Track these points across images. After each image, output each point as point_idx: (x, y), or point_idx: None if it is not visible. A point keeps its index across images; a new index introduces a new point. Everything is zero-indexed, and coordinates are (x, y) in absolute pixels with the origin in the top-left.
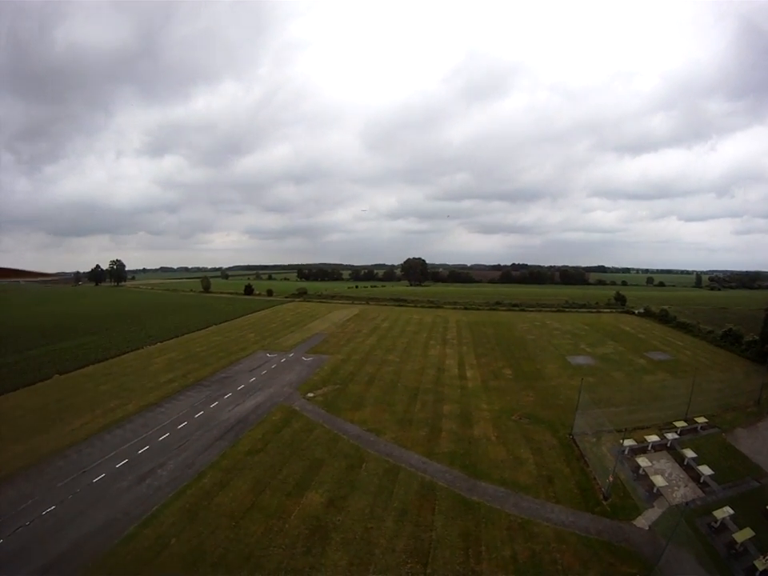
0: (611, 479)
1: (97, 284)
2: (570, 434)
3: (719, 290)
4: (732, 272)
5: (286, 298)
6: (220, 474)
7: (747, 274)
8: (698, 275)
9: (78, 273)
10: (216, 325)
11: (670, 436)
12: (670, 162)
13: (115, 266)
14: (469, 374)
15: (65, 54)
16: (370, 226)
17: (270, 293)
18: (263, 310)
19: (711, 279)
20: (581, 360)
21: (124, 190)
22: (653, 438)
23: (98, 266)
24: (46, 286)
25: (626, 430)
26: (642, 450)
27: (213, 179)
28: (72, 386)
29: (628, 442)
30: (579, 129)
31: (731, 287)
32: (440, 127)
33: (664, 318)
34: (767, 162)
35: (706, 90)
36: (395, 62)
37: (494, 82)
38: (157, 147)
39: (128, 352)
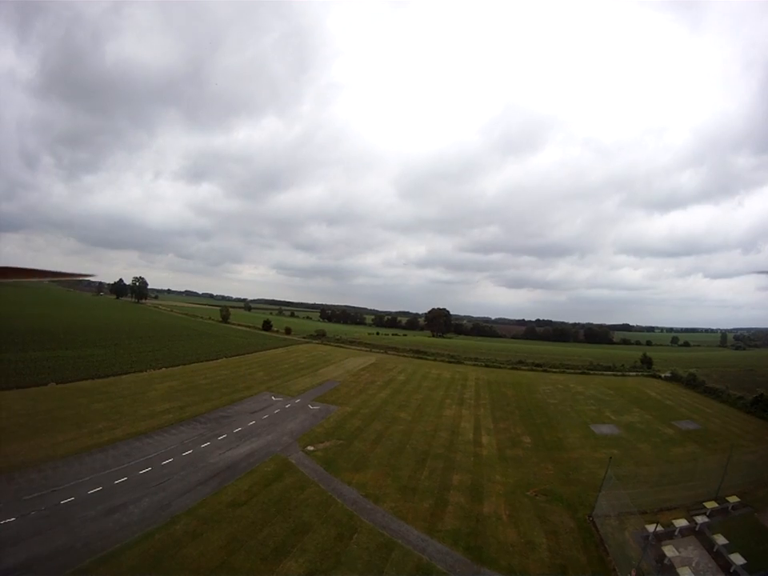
0: (633, 574)
1: (117, 297)
2: (589, 516)
3: (744, 349)
4: (756, 329)
5: (304, 338)
6: (194, 523)
7: None
8: (723, 334)
9: (100, 283)
10: (226, 357)
11: (700, 519)
12: (697, 218)
13: (138, 283)
14: (484, 439)
15: (115, 68)
16: (397, 272)
17: (288, 331)
18: (278, 348)
19: (736, 338)
20: (605, 429)
21: (158, 210)
22: (681, 523)
23: (120, 280)
24: (67, 290)
25: (651, 511)
26: (668, 535)
27: (246, 211)
28: (65, 397)
29: (652, 527)
30: (610, 185)
31: (756, 346)
32: (473, 179)
33: (691, 383)
34: None
35: (734, 143)
36: (434, 112)
37: (528, 136)
38: (194, 173)
39: (130, 372)
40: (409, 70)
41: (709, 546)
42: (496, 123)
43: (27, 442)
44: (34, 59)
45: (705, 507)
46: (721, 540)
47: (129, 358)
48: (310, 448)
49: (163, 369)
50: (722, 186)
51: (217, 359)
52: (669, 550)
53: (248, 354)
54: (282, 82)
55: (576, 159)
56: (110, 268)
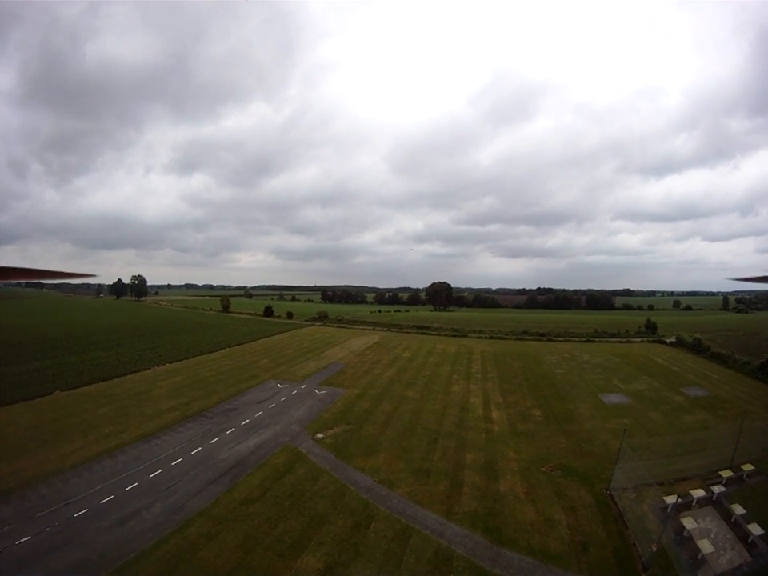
0: (654, 549)
1: (118, 297)
2: (607, 489)
3: (746, 312)
4: (758, 292)
5: (306, 321)
6: (209, 524)
7: None
8: (725, 297)
9: (99, 285)
10: (230, 347)
11: (717, 489)
12: (693, 182)
13: (137, 281)
14: (494, 415)
15: (96, 68)
16: (395, 249)
17: (289, 315)
18: (281, 333)
19: (738, 301)
20: (614, 398)
21: (152, 205)
22: (698, 493)
23: (119, 280)
24: (66, 296)
25: (667, 482)
26: (686, 506)
27: (240, 199)
28: (71, 404)
29: (671, 499)
30: (604, 150)
31: (759, 308)
32: (466, 150)
33: (697, 348)
34: None
35: (728, 107)
36: (422, 84)
37: (520, 104)
38: (185, 164)
39: (135, 372)
40: (395, 42)
41: (726, 515)
42: (486, 92)
43: (35, 455)
44: (12, 70)
45: (720, 476)
46: (738, 510)
47: (132, 357)
48: (320, 435)
49: (167, 365)
50: (717, 150)
51: (220, 350)
52: (687, 522)
53: (251, 341)
54: (268, 67)
55: (569, 126)
56: (109, 268)
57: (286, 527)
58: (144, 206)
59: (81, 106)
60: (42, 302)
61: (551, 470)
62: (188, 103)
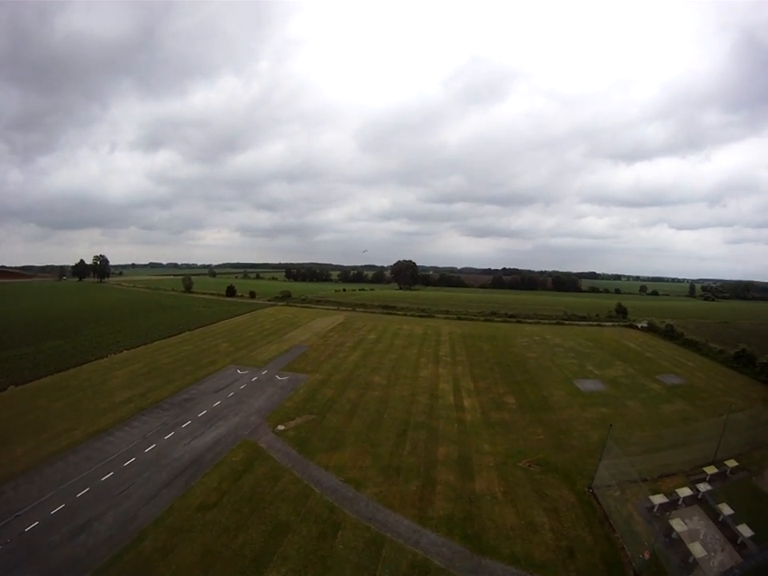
0: (647, 556)
1: (80, 279)
2: (589, 488)
3: (713, 300)
4: (723, 281)
5: (269, 301)
6: (164, 536)
7: (740, 283)
8: (692, 285)
9: (62, 267)
10: (189, 331)
11: (702, 487)
12: (663, 170)
13: (98, 262)
14: (466, 402)
15: (63, 43)
16: (360, 226)
17: (252, 295)
18: (242, 314)
19: (704, 289)
20: (590, 385)
21: (117, 183)
22: (684, 492)
23: (82, 261)
24: (29, 282)
25: (651, 478)
26: (672, 505)
27: (206, 175)
28: (25, 401)
29: (657, 498)
30: (575, 135)
31: (725, 297)
32: (436, 130)
33: (669, 334)
34: (761, 173)
35: (704, 100)
36: (395, 64)
37: (492, 86)
38: (152, 141)
39: (91, 361)
40: (370, 20)
41: (713, 515)
42: (460, 74)
43: None
44: None
45: (704, 472)
46: (726, 510)
47: (89, 345)
48: (281, 427)
49: (124, 351)
50: (689, 140)
51: (180, 333)
52: (676, 524)
53: (212, 324)
54: (238, 40)
55: (540, 109)
56: (73, 249)
57: (247, 538)
58: (109, 184)
59: (46, 83)
60: (2, 288)
61: (530, 466)
62: (155, 78)
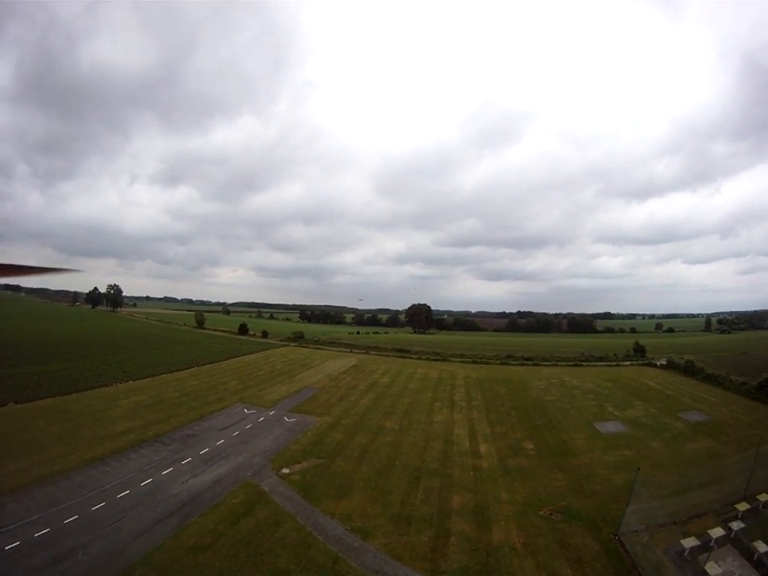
0: None
1: (93, 307)
2: (615, 535)
3: (729, 332)
4: (738, 312)
5: (281, 341)
6: (151, 574)
7: (755, 313)
8: (708, 319)
9: (75, 293)
10: (199, 366)
11: (735, 525)
12: (675, 206)
13: (112, 291)
14: (482, 448)
15: (89, 71)
16: (376, 269)
17: (264, 334)
18: (254, 353)
19: (720, 322)
20: (611, 427)
21: (135, 215)
22: (717, 532)
23: (95, 289)
24: (43, 302)
25: (680, 521)
26: (704, 547)
27: (224, 214)
28: (23, 419)
29: (688, 542)
30: (587, 175)
31: (741, 329)
32: (450, 173)
33: (690, 370)
34: None
35: (711, 131)
36: (410, 107)
37: (505, 129)
38: (171, 176)
39: (95, 387)
40: (387, 66)
41: (748, 554)
42: (474, 118)
43: None
44: (9, 66)
45: (736, 509)
46: (762, 547)
47: (95, 371)
48: (286, 471)
49: (130, 381)
50: (699, 173)
51: (189, 368)
52: (710, 567)
53: (222, 361)
54: (258, 81)
55: (553, 151)
56: (90, 277)
57: None
58: (127, 215)
59: (71, 109)
60: (16, 306)
61: (551, 514)
62: (177, 114)
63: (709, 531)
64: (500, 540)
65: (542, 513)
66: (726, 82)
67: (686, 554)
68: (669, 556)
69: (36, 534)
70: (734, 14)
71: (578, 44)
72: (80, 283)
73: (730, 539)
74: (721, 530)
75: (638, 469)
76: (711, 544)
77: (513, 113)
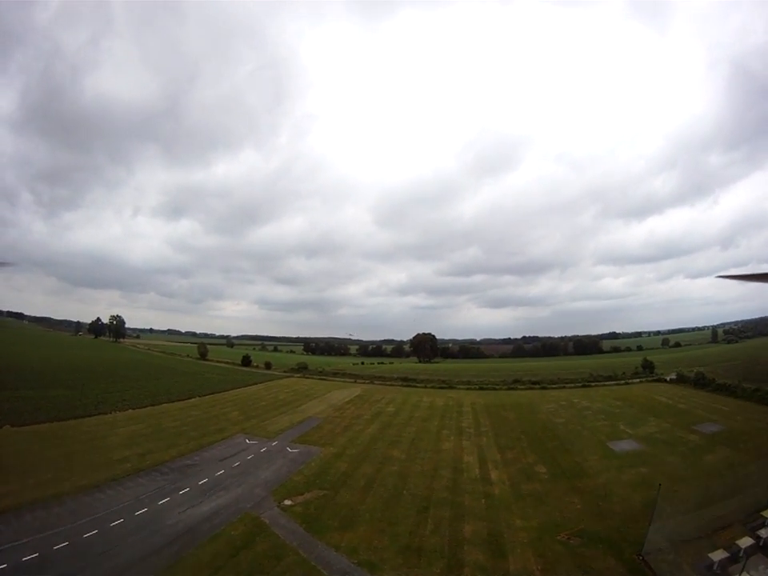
0: None
1: (96, 337)
2: (639, 555)
3: (737, 341)
4: (744, 321)
5: (284, 372)
6: None
7: (762, 320)
8: (714, 330)
9: (78, 323)
10: (200, 396)
11: (764, 533)
12: (674, 221)
13: (115, 322)
14: (493, 475)
15: (93, 102)
16: (379, 301)
17: (268, 365)
18: (256, 384)
19: (726, 332)
20: (624, 445)
21: (138, 247)
22: (746, 542)
23: (98, 319)
24: (46, 331)
25: (705, 535)
26: (733, 558)
27: (226, 247)
28: (18, 442)
29: (717, 555)
30: (586, 197)
31: (748, 337)
32: (450, 202)
33: (700, 382)
34: None
35: (705, 143)
36: (408, 138)
37: (503, 156)
38: (173, 209)
39: (93, 415)
40: (383, 97)
41: None
42: (471, 146)
43: None
44: (14, 93)
45: (763, 517)
46: None
47: (95, 398)
48: (288, 502)
49: (129, 410)
50: (696, 187)
51: (189, 398)
52: None
53: (224, 392)
54: (259, 114)
55: (550, 175)
56: (92, 308)
57: None
58: (130, 247)
59: (74, 139)
60: (19, 333)
61: (569, 538)
62: (179, 147)
63: (737, 542)
64: (517, 568)
65: (559, 538)
66: (716, 91)
67: (715, 567)
68: (697, 571)
69: (24, 559)
70: (721, 22)
71: (570, 66)
72: (85, 314)
73: (759, 547)
74: (749, 539)
75: (660, 485)
76: (740, 554)
77: (509, 139)
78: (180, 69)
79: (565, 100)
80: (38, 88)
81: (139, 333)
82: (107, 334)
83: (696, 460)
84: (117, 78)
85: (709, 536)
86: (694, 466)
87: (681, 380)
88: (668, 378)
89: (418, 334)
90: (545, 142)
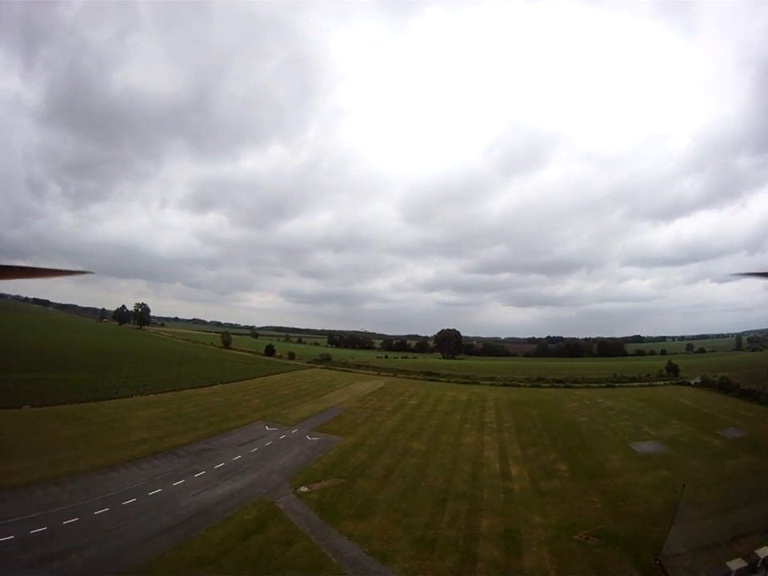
0: None
1: (120, 324)
2: (656, 559)
3: (761, 350)
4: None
5: (308, 363)
6: None
7: None
8: (738, 337)
9: (103, 310)
10: (222, 384)
11: None
12: (702, 224)
13: (140, 309)
14: (514, 470)
15: (121, 96)
16: (406, 296)
17: (291, 356)
18: (279, 373)
19: (750, 340)
20: (647, 447)
21: (166, 238)
22: (765, 552)
23: (123, 307)
24: (71, 317)
25: (723, 542)
26: (751, 568)
27: (253, 240)
28: (36, 422)
29: (735, 564)
30: (614, 197)
31: None
32: (478, 199)
33: (725, 387)
34: None
35: (734, 145)
36: (437, 134)
37: (532, 153)
38: (201, 201)
39: (114, 398)
40: (412, 92)
41: None
42: (499, 142)
43: None
44: (40, 86)
45: None
46: None
47: (116, 383)
48: (304, 489)
49: (150, 395)
50: (725, 190)
51: (212, 385)
52: None
53: (246, 379)
54: (287, 109)
55: (579, 174)
56: (118, 296)
57: None
58: (157, 238)
59: (103, 133)
60: (44, 319)
61: (586, 538)
62: (207, 140)
63: (756, 551)
64: (531, 566)
65: (577, 537)
66: (745, 92)
67: None
68: None
69: (31, 531)
70: (748, 21)
71: (599, 63)
72: (110, 302)
73: None
74: None
75: (684, 486)
76: (758, 564)
77: (538, 135)
78: (207, 63)
79: (593, 98)
80: (64, 82)
81: (164, 321)
82: (132, 321)
83: (718, 465)
84: (144, 72)
85: (728, 543)
86: (716, 471)
87: (705, 384)
88: (692, 382)
89: (443, 330)
90: (573, 140)
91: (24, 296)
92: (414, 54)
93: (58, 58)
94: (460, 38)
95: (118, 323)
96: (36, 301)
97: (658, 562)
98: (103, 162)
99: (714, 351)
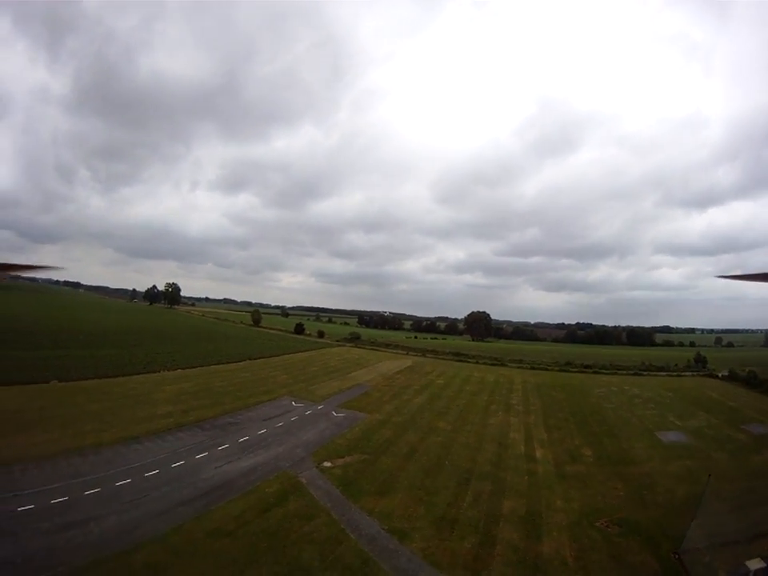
0: None
1: (150, 304)
2: (675, 553)
3: None
4: None
5: (337, 341)
6: (161, 553)
7: None
8: (767, 334)
9: (134, 290)
10: (251, 360)
11: None
12: (735, 214)
13: (170, 289)
14: (538, 453)
15: (149, 81)
16: (437, 278)
17: (321, 334)
18: (308, 351)
19: None
20: (672, 436)
21: (196, 220)
22: None
23: (154, 287)
24: (102, 298)
25: (743, 540)
26: None
27: (285, 220)
28: (63, 396)
29: (754, 563)
30: (647, 183)
31: None
32: (511, 182)
33: (752, 382)
34: None
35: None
36: (468, 114)
37: (564, 136)
38: (232, 183)
39: (142, 373)
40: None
41: None
42: (532, 123)
43: (4, 440)
44: (66, 77)
45: None
46: None
47: (144, 358)
48: (327, 464)
49: (178, 370)
50: (758, 180)
51: (240, 361)
52: None
53: (274, 356)
54: (318, 90)
55: (612, 158)
56: (149, 278)
57: None
58: (188, 220)
59: (132, 118)
60: (74, 300)
61: (607, 526)
62: (238, 122)
63: None
64: (550, 552)
65: (597, 524)
66: None
67: None
68: None
69: (52, 501)
70: None
71: (634, 45)
72: (141, 284)
73: None
74: None
75: (709, 475)
76: None
77: (571, 118)
78: (234, 47)
79: (626, 81)
80: (91, 70)
81: (195, 301)
82: (162, 301)
83: (743, 460)
84: (171, 57)
85: (748, 541)
86: (740, 466)
87: (733, 377)
88: (720, 375)
89: (473, 312)
90: (606, 124)
91: (55, 279)
92: (446, 33)
93: (85, 46)
94: (492, 16)
95: (148, 303)
96: (67, 283)
97: (677, 556)
98: (133, 146)
99: (742, 346)
